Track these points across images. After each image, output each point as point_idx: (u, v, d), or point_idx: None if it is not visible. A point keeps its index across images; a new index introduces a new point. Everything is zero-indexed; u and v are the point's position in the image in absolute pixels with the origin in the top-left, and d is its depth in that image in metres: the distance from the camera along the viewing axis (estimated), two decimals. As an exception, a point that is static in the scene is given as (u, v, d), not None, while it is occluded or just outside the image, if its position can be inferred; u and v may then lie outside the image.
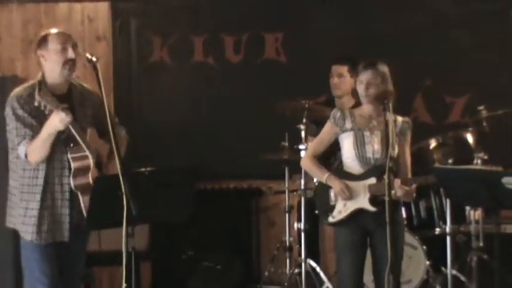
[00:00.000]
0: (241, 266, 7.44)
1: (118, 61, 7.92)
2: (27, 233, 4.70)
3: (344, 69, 6.61)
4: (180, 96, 7.89)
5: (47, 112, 4.58)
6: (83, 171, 4.66)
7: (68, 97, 4.77)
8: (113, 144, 4.35)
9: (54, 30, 4.82)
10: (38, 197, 4.69)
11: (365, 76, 5.04)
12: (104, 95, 4.45)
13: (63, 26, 7.76)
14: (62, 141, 4.69)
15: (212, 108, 7.77)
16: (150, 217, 4.62)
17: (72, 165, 4.67)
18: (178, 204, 4.59)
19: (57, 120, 4.55)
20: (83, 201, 4.64)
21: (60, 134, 4.65)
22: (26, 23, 7.83)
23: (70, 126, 4.59)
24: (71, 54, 4.74)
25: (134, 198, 4.20)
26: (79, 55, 4.81)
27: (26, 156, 4.65)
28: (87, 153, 4.66)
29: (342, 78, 6.61)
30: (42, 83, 4.71)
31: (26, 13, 7.86)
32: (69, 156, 4.69)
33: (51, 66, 4.74)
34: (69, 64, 4.72)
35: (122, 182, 4.20)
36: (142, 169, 4.55)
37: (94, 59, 4.48)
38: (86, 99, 4.86)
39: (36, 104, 4.58)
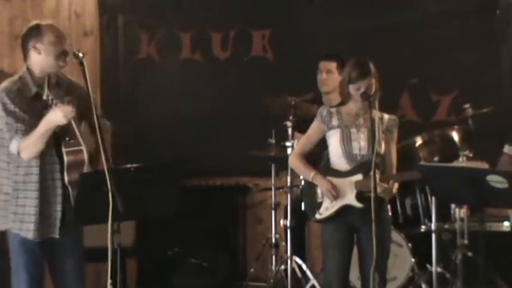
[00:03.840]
0: (227, 263, 7.45)
1: (105, 57, 7.93)
2: (28, 230, 4.64)
3: (333, 65, 6.62)
4: (167, 92, 7.89)
5: (52, 103, 4.53)
6: (77, 166, 4.62)
7: (58, 87, 4.72)
8: (99, 141, 4.34)
9: (45, 22, 4.77)
10: (35, 194, 4.64)
11: (364, 83, 5.02)
12: (91, 91, 4.44)
13: (50, 21, 7.78)
14: (56, 135, 4.63)
15: (199, 104, 7.77)
16: (136, 213, 4.62)
17: (66, 159, 4.62)
18: (164, 200, 4.59)
19: (61, 115, 4.48)
20: (73, 195, 4.61)
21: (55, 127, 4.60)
22: (12, 18, 7.79)
23: (72, 120, 4.55)
24: (66, 46, 4.71)
25: (120, 195, 4.20)
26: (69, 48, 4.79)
27: (18, 152, 4.59)
28: (83, 147, 4.62)
29: (330, 75, 6.62)
30: (30, 75, 4.68)
31: (13, 8, 7.83)
32: (64, 150, 4.63)
33: (44, 58, 4.68)
34: (64, 56, 4.68)
35: (107, 178, 4.19)
36: (128, 165, 4.55)
37: (81, 54, 4.46)
38: (73, 92, 4.79)
39: (44, 97, 4.54)
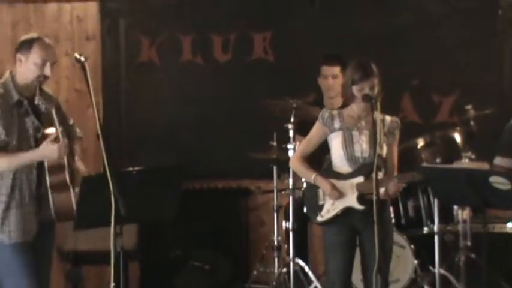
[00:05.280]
0: (230, 266, 7.44)
1: (107, 61, 7.93)
2: None
3: (337, 70, 6.61)
4: (169, 95, 7.89)
5: (43, 110, 4.63)
6: (57, 168, 4.70)
7: (34, 97, 4.83)
8: (102, 145, 4.35)
9: (40, 40, 4.84)
10: (4, 197, 4.70)
11: (368, 84, 5.03)
12: (93, 95, 4.45)
13: (52, 26, 7.81)
14: (36, 139, 4.72)
15: (200, 107, 7.77)
16: (138, 216, 4.63)
17: (46, 163, 4.68)
18: (165, 203, 4.60)
19: (56, 155, 4.60)
20: (53, 198, 4.68)
21: (35, 132, 4.72)
22: (15, 23, 7.81)
23: (57, 125, 4.66)
24: (47, 71, 4.78)
25: (122, 198, 4.20)
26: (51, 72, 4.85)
27: None
28: None
29: (336, 79, 6.61)
30: (13, 82, 4.78)
31: (15, 13, 7.85)
32: None
33: (24, 73, 4.79)
34: (42, 79, 4.77)
35: (110, 181, 4.20)
36: (130, 168, 4.56)
37: (82, 58, 4.48)
38: (48, 102, 4.89)
39: (36, 102, 4.68)
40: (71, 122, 5.15)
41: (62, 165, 4.70)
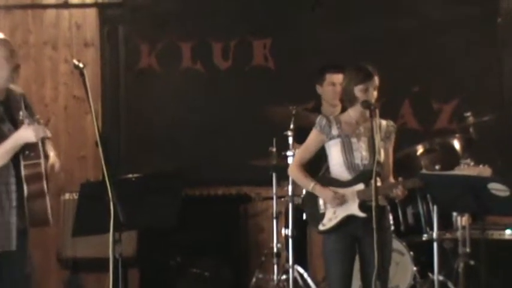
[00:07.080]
0: (229, 272, 7.44)
1: (106, 68, 7.92)
2: None
3: (341, 77, 6.60)
4: (168, 102, 7.88)
5: (25, 122, 4.56)
6: (35, 177, 4.62)
7: (7, 102, 4.73)
8: (100, 151, 4.34)
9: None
10: None
11: (372, 83, 5.04)
12: (91, 102, 4.44)
13: (50, 32, 7.82)
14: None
15: (200, 114, 7.77)
16: (137, 223, 4.62)
17: (24, 172, 4.62)
18: (165, 210, 4.60)
19: (32, 134, 4.52)
20: (29, 206, 4.61)
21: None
22: (13, 29, 7.80)
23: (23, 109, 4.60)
24: (18, 60, 4.71)
25: (121, 205, 4.20)
26: None
27: None
28: (41, 160, 4.64)
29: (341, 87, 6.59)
30: None
31: (14, 19, 7.85)
32: (22, 163, 4.62)
33: None
34: (17, 69, 4.68)
35: (108, 188, 4.19)
36: (129, 175, 4.56)
37: (81, 65, 4.46)
38: (19, 101, 4.78)
39: (20, 118, 4.56)
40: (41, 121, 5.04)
41: (40, 174, 4.63)
